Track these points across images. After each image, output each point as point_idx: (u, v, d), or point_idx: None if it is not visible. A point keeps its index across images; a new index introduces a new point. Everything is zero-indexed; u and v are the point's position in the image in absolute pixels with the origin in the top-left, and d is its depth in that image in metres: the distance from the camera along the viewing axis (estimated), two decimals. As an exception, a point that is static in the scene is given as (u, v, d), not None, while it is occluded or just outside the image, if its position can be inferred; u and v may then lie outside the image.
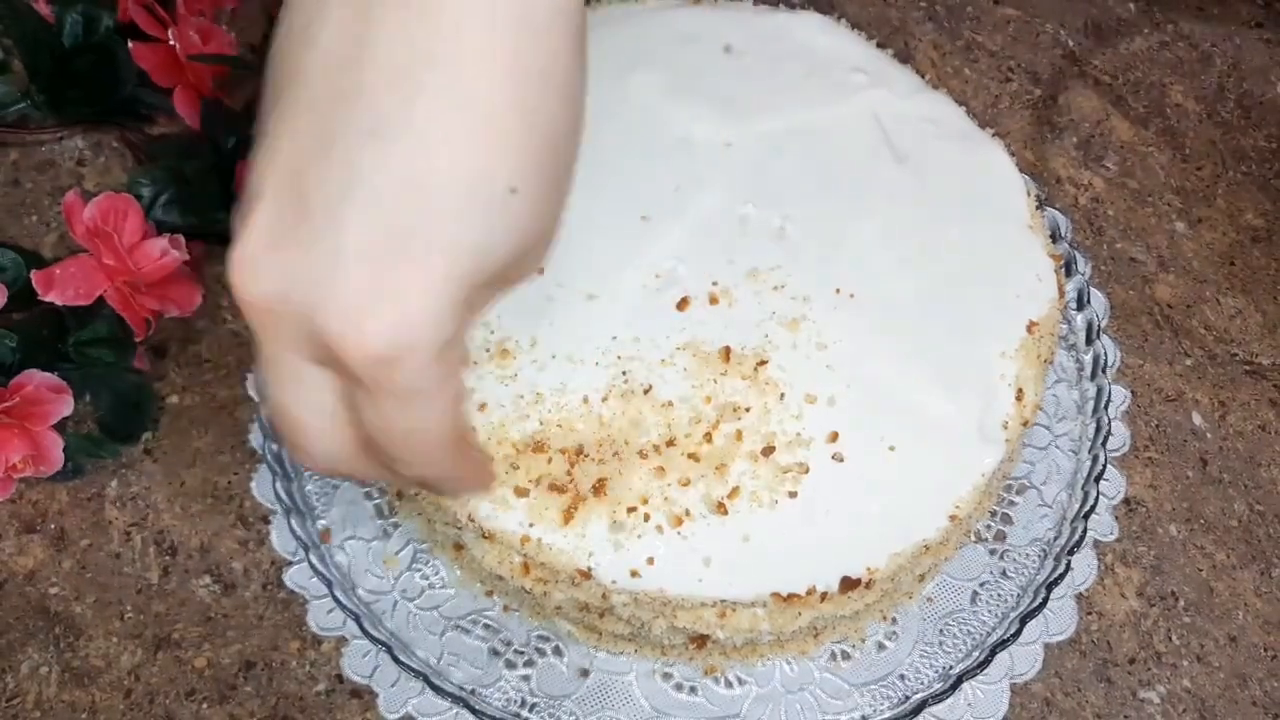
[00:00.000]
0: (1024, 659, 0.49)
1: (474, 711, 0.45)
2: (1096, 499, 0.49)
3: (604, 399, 0.44)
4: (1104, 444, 0.51)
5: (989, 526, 0.51)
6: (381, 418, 0.32)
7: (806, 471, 0.43)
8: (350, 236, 0.29)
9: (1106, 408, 0.52)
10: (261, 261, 0.30)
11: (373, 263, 0.29)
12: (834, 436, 0.44)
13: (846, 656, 0.48)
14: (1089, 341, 0.54)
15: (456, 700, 0.45)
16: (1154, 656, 0.51)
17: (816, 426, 0.44)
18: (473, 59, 0.30)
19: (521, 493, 0.42)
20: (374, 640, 0.46)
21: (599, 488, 0.42)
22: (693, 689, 0.47)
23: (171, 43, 0.58)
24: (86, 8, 0.60)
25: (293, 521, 0.47)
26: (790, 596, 0.41)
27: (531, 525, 0.41)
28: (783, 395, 0.44)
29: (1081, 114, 0.68)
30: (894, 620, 0.49)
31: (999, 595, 0.49)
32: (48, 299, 0.51)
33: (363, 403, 0.31)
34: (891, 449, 0.44)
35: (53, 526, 0.52)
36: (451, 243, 0.30)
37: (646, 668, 0.48)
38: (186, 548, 0.52)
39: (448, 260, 0.30)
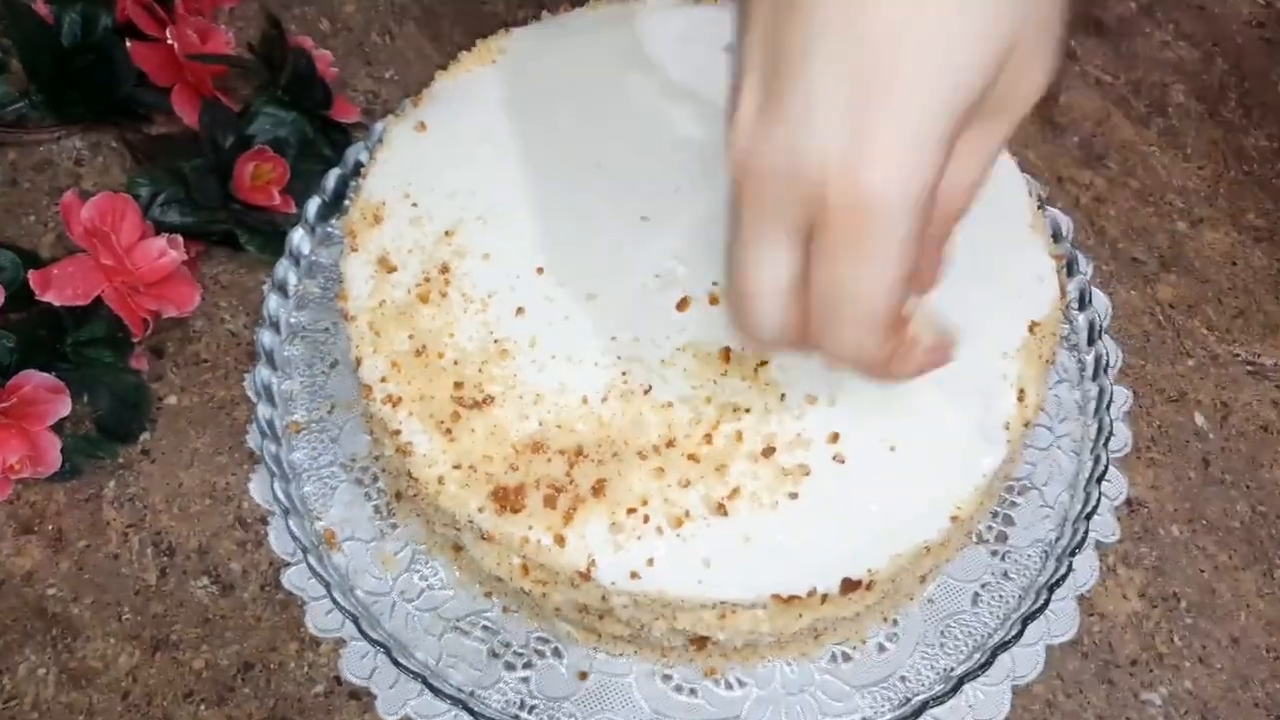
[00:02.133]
0: (1025, 660, 0.49)
1: (473, 713, 0.45)
2: (1098, 500, 0.49)
3: (604, 399, 0.44)
4: (1106, 445, 0.50)
5: (990, 527, 0.51)
6: (833, 277, 0.33)
7: (807, 472, 0.43)
8: (816, 80, 0.31)
9: (1108, 408, 0.51)
10: (754, 130, 0.32)
11: (844, 106, 0.30)
12: (834, 437, 0.43)
13: (847, 658, 0.48)
14: (1091, 342, 0.53)
15: (455, 702, 0.45)
16: (1156, 658, 0.51)
17: (817, 427, 0.44)
18: None
19: (521, 494, 0.42)
20: (372, 642, 0.45)
21: (599, 488, 0.42)
22: (693, 691, 0.47)
23: (170, 42, 0.58)
24: (85, 8, 0.60)
25: (291, 522, 0.47)
26: (791, 598, 0.41)
27: (530, 526, 0.41)
28: (783, 396, 0.44)
29: (1083, 113, 0.68)
30: (895, 622, 0.49)
31: (1000, 596, 0.49)
32: (45, 299, 0.51)
33: (819, 261, 0.33)
34: (892, 449, 0.44)
35: (50, 527, 0.52)
36: (932, 72, 0.30)
37: (646, 669, 0.48)
38: (184, 549, 0.51)
39: (927, 91, 0.30)
